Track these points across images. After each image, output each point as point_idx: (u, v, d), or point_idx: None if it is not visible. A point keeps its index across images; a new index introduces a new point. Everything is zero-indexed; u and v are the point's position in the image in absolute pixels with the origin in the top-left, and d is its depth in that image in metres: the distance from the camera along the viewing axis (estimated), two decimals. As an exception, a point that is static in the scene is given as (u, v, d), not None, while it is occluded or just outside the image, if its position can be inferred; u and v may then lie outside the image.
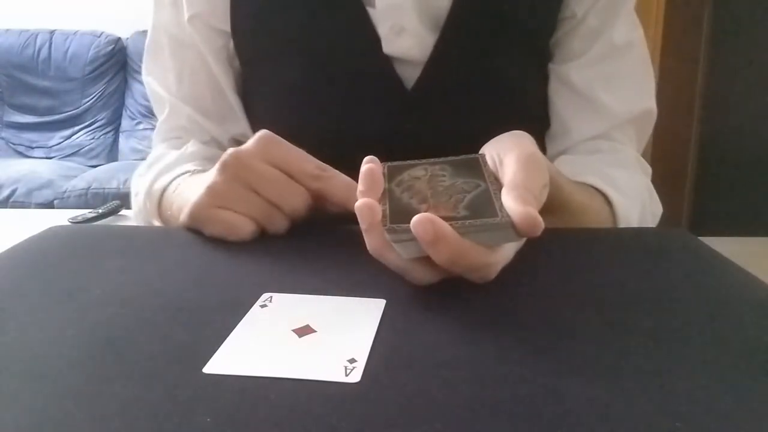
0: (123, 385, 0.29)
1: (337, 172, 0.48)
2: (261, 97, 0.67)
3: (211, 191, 0.47)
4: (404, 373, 0.30)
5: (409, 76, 0.61)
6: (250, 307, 0.36)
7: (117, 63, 2.99)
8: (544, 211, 0.40)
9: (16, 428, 0.26)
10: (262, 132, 0.48)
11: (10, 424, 0.26)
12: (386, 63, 0.60)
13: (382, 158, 0.43)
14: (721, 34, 2.46)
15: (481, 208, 0.37)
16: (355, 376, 0.29)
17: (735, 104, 2.57)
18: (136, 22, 2.87)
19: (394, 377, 0.29)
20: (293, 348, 0.32)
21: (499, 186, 0.38)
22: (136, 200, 0.67)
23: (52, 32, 2.99)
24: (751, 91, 2.56)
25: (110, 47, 2.96)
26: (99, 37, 2.97)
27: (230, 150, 0.48)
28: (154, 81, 0.70)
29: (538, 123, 0.68)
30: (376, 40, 0.60)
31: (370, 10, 0.59)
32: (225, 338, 0.33)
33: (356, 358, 0.30)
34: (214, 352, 0.31)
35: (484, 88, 0.62)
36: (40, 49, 2.95)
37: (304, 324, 0.34)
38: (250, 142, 0.48)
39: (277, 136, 0.48)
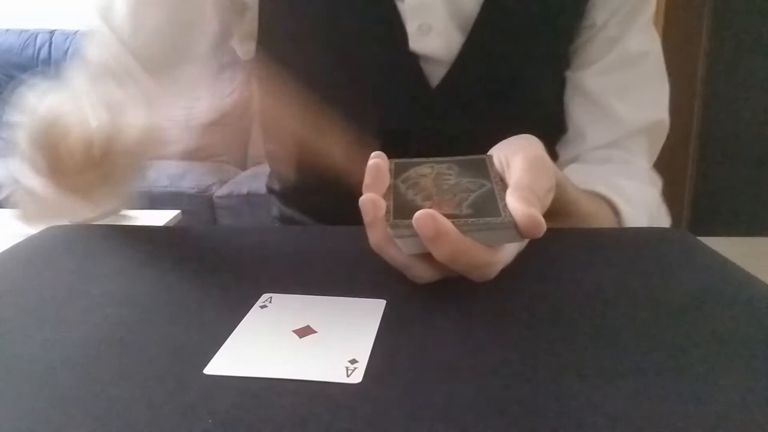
0: (123, 386, 0.29)
1: None
2: (281, 82, 0.67)
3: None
4: (405, 374, 0.30)
5: (434, 74, 0.61)
6: (250, 308, 0.36)
7: (117, 63, 2.99)
8: (549, 216, 0.40)
9: (16, 429, 0.26)
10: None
11: (10, 424, 0.26)
12: (412, 60, 0.61)
13: (398, 154, 0.43)
14: (721, 33, 2.46)
15: (484, 207, 0.37)
16: (357, 377, 0.29)
17: (735, 104, 2.57)
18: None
19: (395, 377, 0.29)
20: (294, 349, 0.32)
21: (504, 186, 0.38)
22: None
23: (52, 32, 2.98)
24: (751, 91, 2.56)
25: (110, 47, 2.96)
26: (99, 37, 2.97)
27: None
28: (99, 17, 0.64)
29: (555, 128, 0.68)
30: (403, 37, 0.60)
31: (399, 6, 0.59)
32: (225, 339, 0.33)
33: (357, 359, 0.30)
34: (215, 352, 0.31)
35: (507, 90, 0.63)
36: (40, 49, 2.95)
37: (305, 324, 0.34)
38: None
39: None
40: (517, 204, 0.35)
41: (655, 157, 0.70)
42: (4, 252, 0.47)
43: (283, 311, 0.36)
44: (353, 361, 0.30)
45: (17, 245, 0.48)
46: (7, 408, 0.27)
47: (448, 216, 0.35)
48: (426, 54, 0.61)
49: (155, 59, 0.63)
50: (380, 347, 0.32)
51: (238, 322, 0.34)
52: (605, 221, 0.58)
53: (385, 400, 0.27)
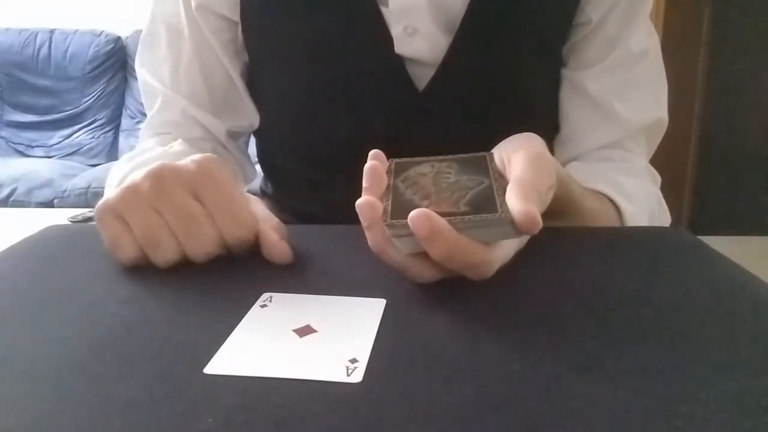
0: (123, 386, 0.29)
1: (269, 223, 0.43)
2: (269, 93, 0.67)
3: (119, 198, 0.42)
4: (405, 373, 0.30)
5: (421, 77, 0.60)
6: (250, 307, 0.36)
7: (117, 62, 3.00)
8: (553, 215, 0.40)
9: (17, 429, 0.26)
10: (205, 157, 0.43)
11: (9, 424, 0.26)
12: (398, 63, 0.60)
13: (390, 158, 0.43)
14: (720, 33, 2.46)
15: (482, 204, 0.37)
16: (357, 376, 0.29)
17: (735, 104, 2.57)
18: (136, 21, 2.87)
19: (395, 377, 0.29)
20: (294, 348, 0.32)
21: (504, 183, 0.38)
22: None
23: (51, 31, 2.98)
24: (751, 91, 2.56)
25: (110, 46, 2.96)
26: (99, 36, 2.97)
27: (163, 164, 0.42)
28: (148, 73, 0.68)
29: (547, 128, 0.67)
30: (388, 40, 0.59)
31: (383, 9, 0.59)
32: (225, 338, 0.33)
33: (358, 358, 0.30)
34: (215, 352, 0.31)
35: (496, 91, 0.62)
36: (40, 48, 2.95)
37: (305, 324, 0.34)
38: (189, 164, 0.42)
39: (218, 165, 0.43)
40: (515, 200, 0.35)
41: (652, 153, 0.70)
42: (4, 252, 0.47)
43: (283, 311, 0.36)
44: (353, 361, 0.30)
45: (17, 245, 0.48)
46: (8, 408, 0.27)
47: (445, 214, 0.35)
48: (412, 57, 0.60)
49: (202, 97, 0.68)
50: (380, 347, 0.32)
51: (238, 322, 0.34)
52: (608, 219, 0.58)
53: (385, 400, 0.27)
